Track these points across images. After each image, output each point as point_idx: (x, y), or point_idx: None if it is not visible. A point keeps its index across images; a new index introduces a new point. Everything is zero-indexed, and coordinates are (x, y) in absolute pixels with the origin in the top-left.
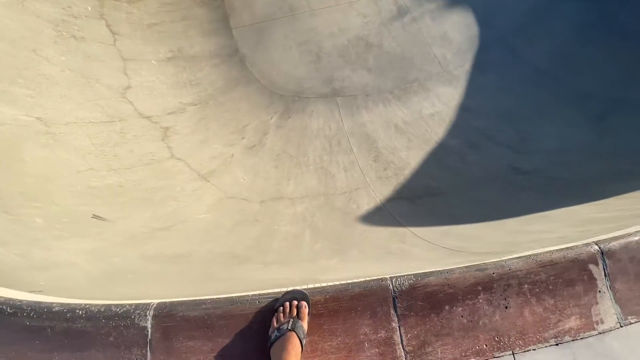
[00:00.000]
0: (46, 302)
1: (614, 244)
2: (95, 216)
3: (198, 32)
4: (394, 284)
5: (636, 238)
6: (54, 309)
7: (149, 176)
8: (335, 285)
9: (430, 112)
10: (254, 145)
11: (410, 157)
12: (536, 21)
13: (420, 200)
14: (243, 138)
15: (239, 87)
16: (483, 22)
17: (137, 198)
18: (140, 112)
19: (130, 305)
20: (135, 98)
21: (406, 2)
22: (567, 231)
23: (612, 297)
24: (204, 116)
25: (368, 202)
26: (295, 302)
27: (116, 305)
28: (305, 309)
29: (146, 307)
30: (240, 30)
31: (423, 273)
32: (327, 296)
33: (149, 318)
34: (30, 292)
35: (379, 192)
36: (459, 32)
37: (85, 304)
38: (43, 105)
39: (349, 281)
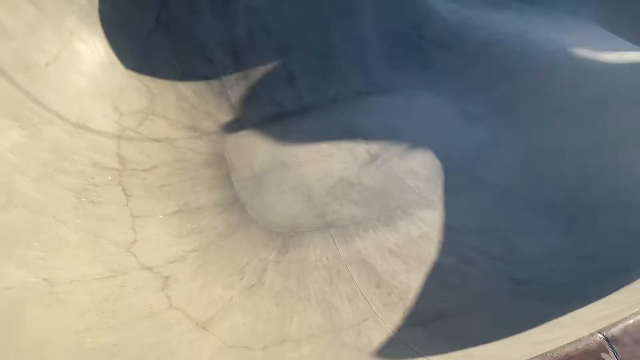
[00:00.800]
0: None
1: (615, 330)
2: None
3: (204, 188)
4: None
5: (631, 321)
6: None
7: (146, 331)
8: None
9: (418, 234)
10: (254, 284)
11: (411, 280)
12: (485, 150)
13: (432, 324)
14: (242, 278)
15: (239, 230)
16: (442, 157)
17: (132, 358)
18: (142, 264)
19: None
20: (139, 251)
21: (376, 149)
22: (582, 332)
23: None
24: (205, 261)
25: (380, 333)
26: None
27: None
28: None
29: None
30: (241, 183)
31: None
32: None
33: None
34: None
35: (389, 320)
36: (424, 166)
37: None
38: (52, 266)
39: None
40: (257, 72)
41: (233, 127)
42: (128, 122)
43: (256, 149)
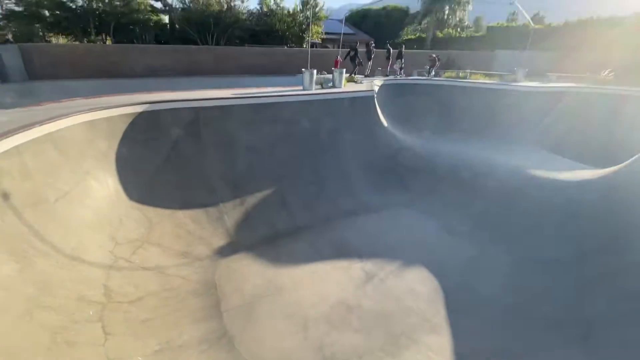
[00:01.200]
0: None
1: None
2: None
3: (189, 321)
4: None
5: None
6: None
7: None
8: None
9: None
10: None
11: None
12: (476, 265)
13: None
14: None
15: None
16: (437, 274)
17: None
18: None
19: None
20: None
21: (371, 267)
22: None
23: None
24: None
25: None
26: None
27: None
28: None
29: None
30: (230, 312)
31: None
32: None
33: None
34: None
35: None
36: (422, 284)
37: None
38: None
39: None
40: (253, 198)
41: (226, 251)
42: (122, 251)
43: (248, 273)
